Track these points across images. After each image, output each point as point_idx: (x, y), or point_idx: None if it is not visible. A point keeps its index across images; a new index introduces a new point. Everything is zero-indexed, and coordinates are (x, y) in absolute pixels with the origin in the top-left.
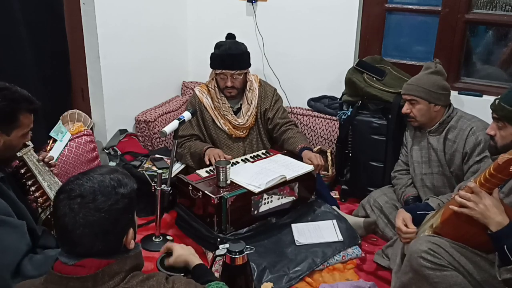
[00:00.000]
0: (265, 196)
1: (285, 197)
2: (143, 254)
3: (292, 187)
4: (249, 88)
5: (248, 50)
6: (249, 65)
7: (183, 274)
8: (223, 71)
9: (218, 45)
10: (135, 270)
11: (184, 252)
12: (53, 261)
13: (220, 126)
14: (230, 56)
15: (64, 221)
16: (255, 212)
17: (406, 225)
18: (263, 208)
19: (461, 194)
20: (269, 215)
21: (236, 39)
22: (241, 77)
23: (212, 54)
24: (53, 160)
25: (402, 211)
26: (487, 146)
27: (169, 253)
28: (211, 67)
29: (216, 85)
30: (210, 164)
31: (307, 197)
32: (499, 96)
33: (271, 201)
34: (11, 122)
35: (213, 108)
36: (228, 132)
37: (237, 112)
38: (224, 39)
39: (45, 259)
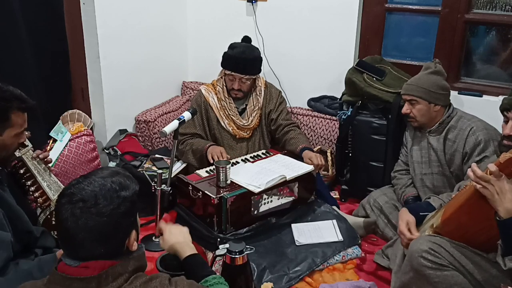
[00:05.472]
0: (265, 196)
1: (284, 197)
2: None
3: (291, 187)
4: (256, 90)
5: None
6: (259, 71)
7: (183, 273)
8: (233, 73)
9: (232, 46)
10: (139, 271)
11: (174, 241)
12: (25, 274)
13: (224, 126)
14: (242, 60)
15: (66, 226)
16: (255, 212)
17: (410, 230)
18: (262, 208)
19: (480, 174)
20: (269, 215)
21: (240, 42)
22: (249, 82)
23: (225, 53)
24: (49, 157)
25: (405, 212)
26: (501, 147)
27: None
28: (221, 65)
29: (224, 84)
30: (211, 163)
31: (306, 197)
32: None
33: (271, 201)
34: (2, 121)
35: (219, 108)
36: (232, 132)
37: (242, 112)
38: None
39: (17, 274)
